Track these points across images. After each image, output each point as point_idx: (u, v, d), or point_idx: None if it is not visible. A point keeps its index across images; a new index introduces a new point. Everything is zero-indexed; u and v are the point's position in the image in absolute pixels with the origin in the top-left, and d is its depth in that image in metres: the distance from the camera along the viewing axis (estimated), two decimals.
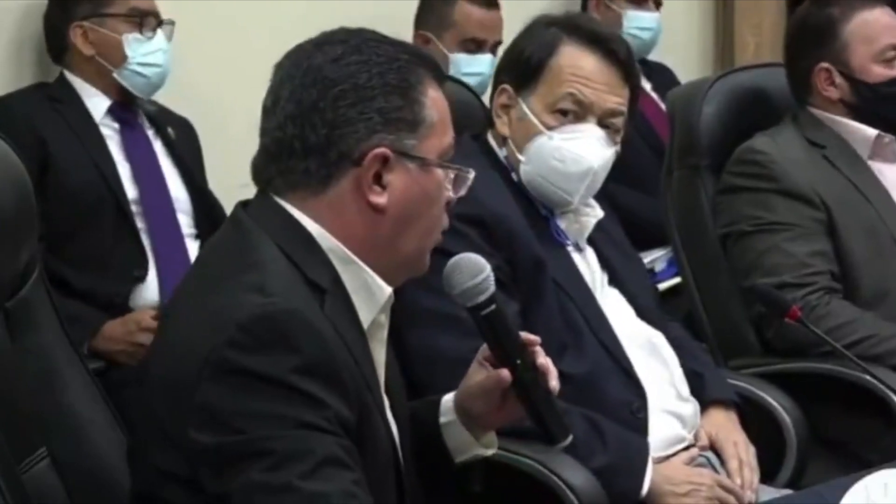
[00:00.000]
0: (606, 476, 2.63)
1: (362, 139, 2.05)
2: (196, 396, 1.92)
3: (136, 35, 3.90)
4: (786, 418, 3.08)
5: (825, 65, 3.46)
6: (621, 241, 3.06)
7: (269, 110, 2.11)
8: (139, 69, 3.90)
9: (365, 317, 2.09)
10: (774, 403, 3.10)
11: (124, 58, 3.88)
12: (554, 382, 2.16)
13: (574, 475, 2.59)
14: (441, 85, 2.14)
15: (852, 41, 3.44)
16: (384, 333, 2.16)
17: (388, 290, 2.10)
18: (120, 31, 3.90)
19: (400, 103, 2.07)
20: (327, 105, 2.05)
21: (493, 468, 2.37)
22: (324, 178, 2.06)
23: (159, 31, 3.93)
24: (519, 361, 2.14)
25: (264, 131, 2.13)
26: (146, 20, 3.91)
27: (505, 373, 2.15)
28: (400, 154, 2.06)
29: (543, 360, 2.17)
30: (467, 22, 4.67)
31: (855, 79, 3.44)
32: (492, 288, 2.13)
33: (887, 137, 3.48)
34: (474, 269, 2.13)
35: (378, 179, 2.06)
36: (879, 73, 3.44)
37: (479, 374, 2.21)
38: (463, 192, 2.15)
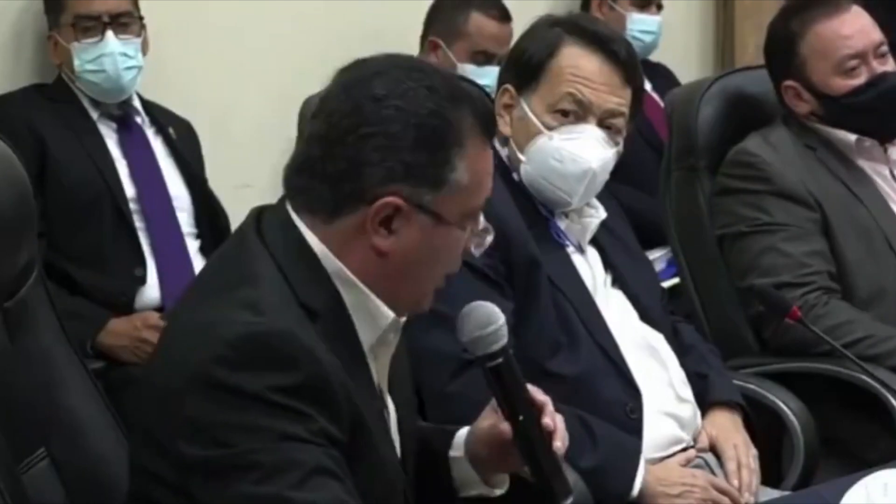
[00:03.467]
0: (596, 476, 2.63)
1: (378, 184, 2.02)
2: (184, 409, 1.93)
3: (76, 43, 3.88)
4: (793, 421, 3.08)
5: (790, 83, 3.45)
6: (629, 241, 3.05)
7: (311, 119, 2.09)
8: (87, 77, 3.88)
9: (366, 337, 2.08)
10: (783, 406, 3.10)
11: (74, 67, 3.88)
12: (559, 443, 2.12)
13: None
14: (490, 145, 2.10)
15: (810, 57, 3.42)
16: (390, 353, 2.15)
17: (391, 314, 2.09)
18: (69, 40, 3.89)
19: (426, 159, 2.02)
20: (353, 140, 2.02)
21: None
22: (334, 208, 2.04)
23: (108, 34, 3.87)
24: (522, 417, 2.10)
25: (301, 134, 2.11)
26: (90, 26, 3.88)
27: (506, 426, 2.12)
28: (415, 206, 2.03)
29: (549, 419, 2.13)
30: (480, 34, 4.67)
31: (819, 93, 3.43)
32: (503, 340, 2.11)
33: (868, 141, 3.47)
34: (487, 319, 2.11)
35: (388, 224, 2.04)
36: (841, 84, 3.41)
37: (489, 419, 2.19)
38: (479, 252, 2.13)
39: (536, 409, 2.13)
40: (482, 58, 4.65)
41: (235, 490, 1.88)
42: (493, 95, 3.00)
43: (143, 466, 2.02)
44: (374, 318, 2.08)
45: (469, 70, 4.59)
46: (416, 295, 2.12)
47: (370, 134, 2.02)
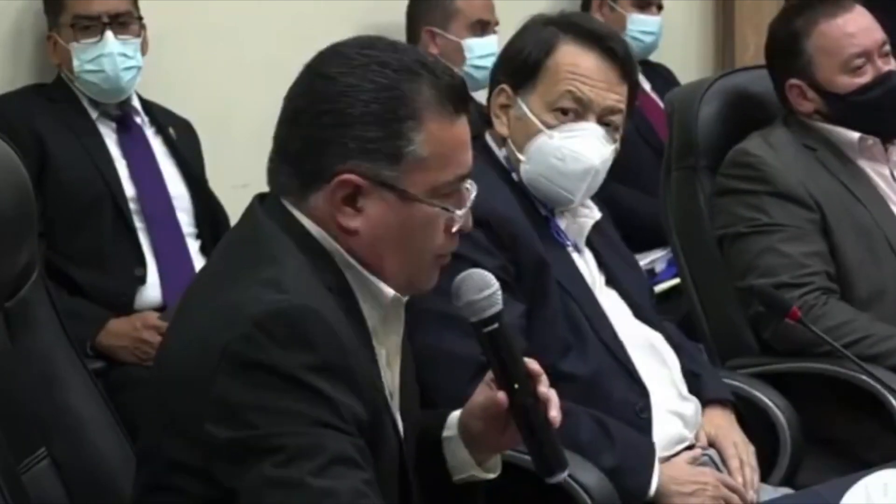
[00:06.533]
0: (614, 476, 2.63)
1: (335, 162, 2.04)
2: (212, 390, 1.93)
3: (74, 43, 3.88)
4: (780, 417, 3.09)
5: (795, 81, 3.45)
6: (617, 242, 3.06)
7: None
8: (86, 77, 3.88)
9: (370, 316, 2.09)
10: (769, 403, 3.11)
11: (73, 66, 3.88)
12: (554, 412, 2.12)
13: (586, 475, 2.59)
14: (458, 118, 2.08)
15: (816, 55, 3.42)
16: (400, 329, 2.16)
17: (390, 292, 2.10)
18: (68, 40, 3.89)
19: (379, 134, 2.03)
20: (308, 120, 2.05)
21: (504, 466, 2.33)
22: (300, 186, 2.07)
23: (108, 34, 3.87)
24: (517, 385, 2.10)
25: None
26: (89, 26, 3.88)
27: (502, 395, 2.12)
28: (375, 182, 2.04)
29: (545, 389, 2.13)
30: (470, 7, 4.74)
31: (825, 91, 3.43)
32: (498, 305, 2.11)
33: (871, 140, 3.47)
34: (481, 284, 2.11)
35: (353, 202, 2.05)
36: (847, 83, 3.41)
37: (483, 394, 2.19)
38: (454, 229, 2.10)
39: (532, 379, 2.12)
40: (479, 28, 4.71)
41: (257, 472, 1.89)
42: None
43: (160, 454, 2.02)
44: (376, 297, 2.09)
45: (473, 44, 4.68)
46: (404, 274, 2.11)
47: (323, 112, 2.04)
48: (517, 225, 2.76)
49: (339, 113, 2.03)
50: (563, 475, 2.13)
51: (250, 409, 1.91)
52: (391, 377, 2.16)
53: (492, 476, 2.27)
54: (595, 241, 2.95)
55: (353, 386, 1.96)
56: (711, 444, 2.89)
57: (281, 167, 2.09)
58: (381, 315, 2.11)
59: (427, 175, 2.06)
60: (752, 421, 3.01)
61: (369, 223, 2.05)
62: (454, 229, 2.11)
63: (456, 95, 2.10)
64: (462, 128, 2.10)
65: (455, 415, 2.26)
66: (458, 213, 2.10)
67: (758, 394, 3.13)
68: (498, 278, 2.59)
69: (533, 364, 2.14)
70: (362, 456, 1.93)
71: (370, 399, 2.00)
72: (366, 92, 2.03)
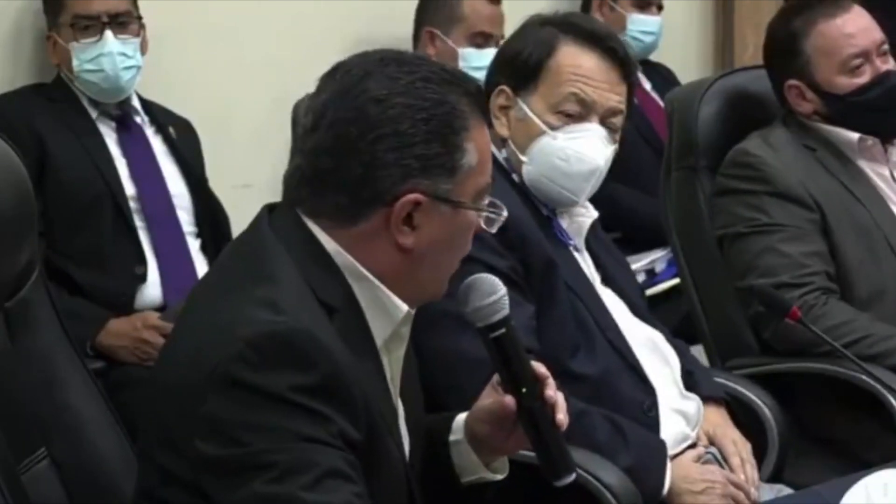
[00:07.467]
0: (631, 476, 2.64)
1: (397, 182, 2.03)
2: (203, 407, 1.93)
3: (74, 43, 3.88)
4: (768, 415, 3.09)
5: (794, 81, 3.45)
6: (608, 242, 3.07)
7: (307, 131, 2.07)
8: (86, 76, 3.88)
9: (379, 333, 2.09)
10: (757, 400, 3.11)
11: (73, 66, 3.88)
12: (561, 416, 2.12)
13: (608, 475, 2.60)
14: (484, 118, 2.11)
15: (814, 55, 3.42)
16: (404, 344, 2.16)
17: (405, 307, 2.10)
18: (67, 40, 3.90)
19: (439, 150, 2.04)
20: (366, 146, 2.02)
21: (513, 466, 2.33)
22: (353, 214, 2.05)
23: (107, 34, 3.87)
24: (524, 390, 2.10)
25: (299, 150, 2.09)
26: (89, 25, 3.88)
27: (510, 399, 2.12)
28: (434, 198, 2.05)
29: (552, 392, 2.13)
30: (476, 16, 4.70)
31: (824, 91, 3.43)
32: (505, 310, 2.11)
33: (870, 140, 3.47)
34: (488, 289, 2.11)
35: (409, 220, 2.05)
36: (846, 83, 3.41)
37: (490, 398, 2.19)
38: (494, 229, 2.14)
39: (539, 382, 2.12)
40: (481, 40, 4.68)
41: (249, 489, 1.89)
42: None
43: (155, 463, 2.02)
44: (388, 312, 2.09)
45: (470, 54, 4.64)
46: (437, 283, 2.14)
47: (381, 136, 2.02)
48: (525, 225, 2.76)
49: (401, 134, 2.02)
50: (571, 478, 2.13)
51: (240, 427, 1.91)
52: (394, 390, 2.16)
53: (499, 477, 2.27)
54: (590, 240, 2.95)
55: (347, 405, 1.95)
56: (711, 442, 2.90)
57: (325, 195, 2.05)
58: (392, 329, 2.11)
59: (474, 181, 2.09)
60: (741, 418, 3.02)
61: (422, 239, 2.06)
62: (483, 228, 2.14)
63: (483, 99, 2.14)
64: (487, 129, 2.13)
65: (461, 418, 2.26)
66: (504, 211, 2.13)
67: (745, 391, 3.13)
68: (508, 279, 2.61)
69: (540, 367, 2.14)
70: (353, 470, 1.93)
71: (369, 419, 2.00)
72: (422, 110, 2.03)
